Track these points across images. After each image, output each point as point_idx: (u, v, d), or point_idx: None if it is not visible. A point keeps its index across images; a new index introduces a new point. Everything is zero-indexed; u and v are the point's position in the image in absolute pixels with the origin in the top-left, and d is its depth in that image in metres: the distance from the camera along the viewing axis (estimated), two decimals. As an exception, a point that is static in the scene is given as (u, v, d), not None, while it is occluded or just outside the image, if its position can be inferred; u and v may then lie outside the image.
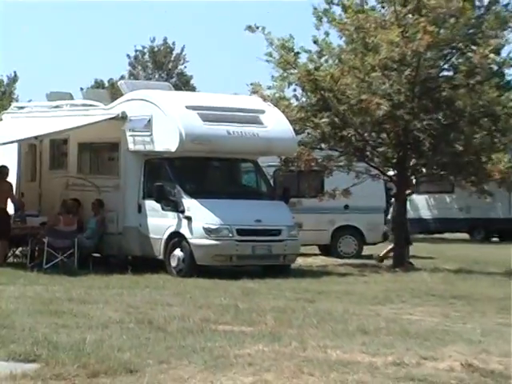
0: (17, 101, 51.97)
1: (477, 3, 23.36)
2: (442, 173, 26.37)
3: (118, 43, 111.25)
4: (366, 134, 23.92)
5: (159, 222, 21.30)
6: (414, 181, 27.22)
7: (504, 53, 23.60)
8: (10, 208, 22.72)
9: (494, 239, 35.92)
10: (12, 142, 23.61)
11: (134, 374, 9.67)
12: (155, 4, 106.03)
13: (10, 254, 22.76)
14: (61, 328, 12.31)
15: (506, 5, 23.28)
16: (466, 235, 36.10)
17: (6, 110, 28.29)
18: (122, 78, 63.18)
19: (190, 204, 20.87)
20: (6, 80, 78.45)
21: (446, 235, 35.69)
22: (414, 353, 11.21)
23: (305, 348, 11.36)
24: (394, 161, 24.22)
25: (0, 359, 10.23)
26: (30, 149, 24.47)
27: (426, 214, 36.56)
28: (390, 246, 24.86)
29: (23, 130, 23.48)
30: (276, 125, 22.32)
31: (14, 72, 77.96)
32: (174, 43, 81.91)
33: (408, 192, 25.31)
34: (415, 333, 12.82)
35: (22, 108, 26.59)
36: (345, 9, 23.63)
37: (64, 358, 10.20)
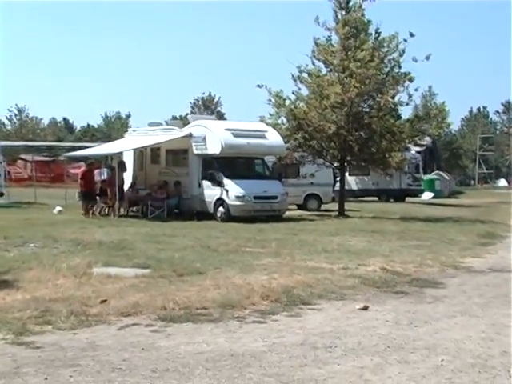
0: (131, 127, 51.87)
1: (382, 71, 23.12)
2: (363, 164, 26.26)
3: (185, 96, 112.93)
4: (323, 144, 23.66)
5: (210, 192, 21.07)
6: (348, 168, 27.08)
7: (396, 98, 23.38)
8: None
9: (391, 200, 35.66)
10: (130, 149, 23.52)
11: (202, 274, 9.70)
12: (205, 71, 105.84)
13: (130, 210, 22.68)
14: (160, 250, 12.33)
15: (398, 72, 23.00)
16: (376, 198, 35.85)
17: (126, 132, 28.23)
18: (188, 114, 63.01)
19: (227, 182, 20.68)
20: (124, 116, 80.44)
21: (365, 199, 35.41)
22: (353, 262, 11.23)
23: (294, 260, 11.38)
24: (338, 158, 23.99)
25: (129, 267, 10.27)
26: (140, 153, 24.24)
27: (354, 187, 36.16)
28: None
29: (136, 143, 23.35)
30: (274, 138, 22.10)
31: (129, 112, 79.70)
32: (214, 95, 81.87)
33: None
34: (353, 251, 12.83)
35: (134, 131, 26.37)
36: (310, 74, 23.44)
37: (163, 266, 10.28)
